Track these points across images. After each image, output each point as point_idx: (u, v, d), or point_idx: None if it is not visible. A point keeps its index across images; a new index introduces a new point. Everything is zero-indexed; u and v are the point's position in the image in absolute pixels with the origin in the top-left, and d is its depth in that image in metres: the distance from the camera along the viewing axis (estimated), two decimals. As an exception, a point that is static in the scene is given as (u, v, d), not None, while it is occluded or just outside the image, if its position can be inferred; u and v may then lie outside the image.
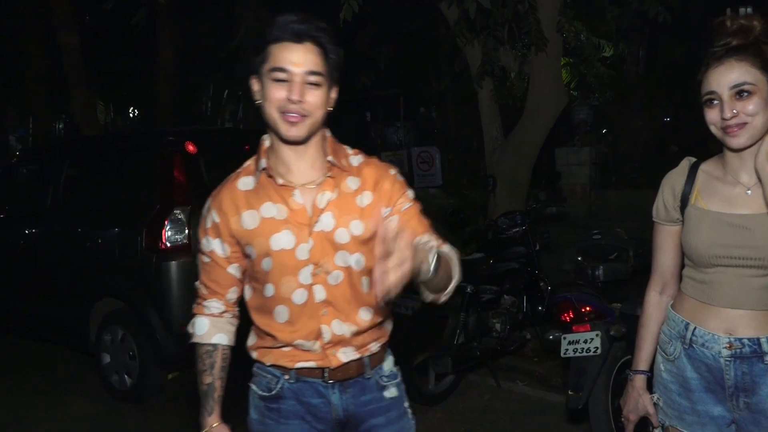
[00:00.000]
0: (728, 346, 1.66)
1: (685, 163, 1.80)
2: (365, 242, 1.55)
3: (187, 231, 3.95)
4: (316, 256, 1.52)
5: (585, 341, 3.06)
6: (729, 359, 1.67)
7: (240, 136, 5.63)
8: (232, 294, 1.64)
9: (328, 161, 1.54)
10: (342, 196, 1.54)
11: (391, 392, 1.65)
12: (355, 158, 1.61)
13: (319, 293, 1.54)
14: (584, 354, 3.05)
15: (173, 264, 3.91)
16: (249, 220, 1.53)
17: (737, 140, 1.59)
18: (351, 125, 12.49)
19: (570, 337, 3.12)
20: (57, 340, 4.87)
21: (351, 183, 1.56)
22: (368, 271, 1.54)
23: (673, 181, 1.79)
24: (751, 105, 1.57)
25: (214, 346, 1.63)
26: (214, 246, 1.59)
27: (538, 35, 4.68)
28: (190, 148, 4.18)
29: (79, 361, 4.80)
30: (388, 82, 9.29)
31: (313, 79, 1.45)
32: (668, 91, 8.91)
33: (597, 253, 3.37)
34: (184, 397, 4.25)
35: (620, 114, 9.11)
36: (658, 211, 1.82)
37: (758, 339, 1.64)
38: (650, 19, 5.12)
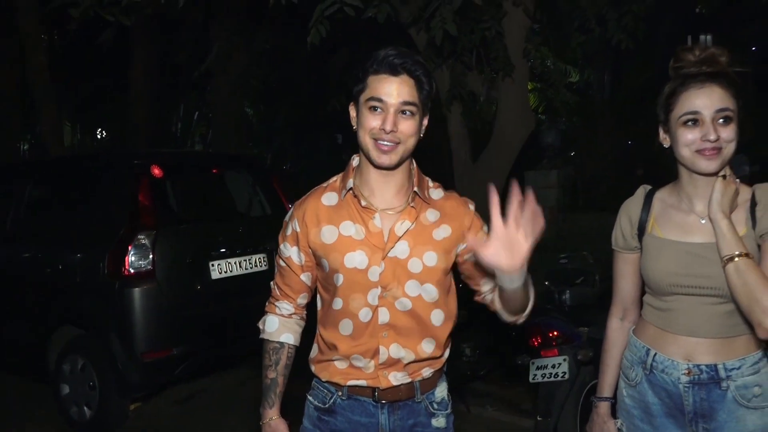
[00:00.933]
0: (687, 372, 1.68)
1: (641, 192, 1.82)
2: (437, 273, 1.61)
3: (151, 257, 3.86)
4: (385, 279, 1.60)
5: (553, 366, 3.07)
6: (687, 385, 1.68)
7: (208, 159, 5.57)
8: (302, 299, 1.76)
9: (414, 192, 1.63)
10: (420, 227, 1.62)
11: (439, 421, 1.69)
12: (436, 191, 1.70)
13: (383, 315, 1.61)
14: (552, 379, 3.06)
15: (136, 291, 3.81)
16: (328, 234, 1.63)
17: (711, 164, 1.60)
18: (324, 147, 12.51)
19: (538, 362, 3.12)
20: (13, 368, 4.69)
21: (430, 215, 1.64)
22: (436, 304, 1.63)
23: (630, 209, 1.81)
24: (730, 131, 1.59)
25: (281, 344, 1.74)
26: (291, 253, 1.70)
27: (505, 61, 4.75)
28: (156, 171, 4.11)
29: (36, 392, 4.63)
30: (361, 103, 9.31)
31: (406, 108, 1.55)
32: (632, 116, 9.14)
33: (564, 278, 3.39)
34: (149, 429, 4.13)
35: (587, 138, 9.30)
36: (616, 239, 1.85)
37: (715, 365, 1.66)
38: (614, 46, 5.24)
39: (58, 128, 10.16)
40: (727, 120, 1.59)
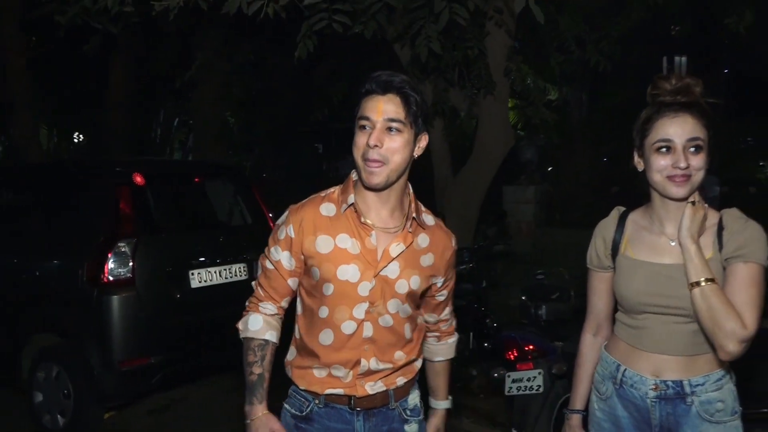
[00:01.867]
0: (654, 387, 1.75)
1: (615, 213, 1.90)
2: (415, 295, 1.72)
3: (131, 264, 3.85)
4: (374, 296, 1.66)
5: (528, 379, 3.13)
6: (655, 400, 1.75)
7: (189, 168, 5.57)
8: (285, 303, 1.78)
9: (413, 218, 1.69)
10: (411, 251, 1.68)
11: (412, 427, 1.77)
12: (428, 217, 1.76)
13: (367, 330, 1.67)
14: (527, 392, 3.12)
15: (115, 298, 3.79)
16: (323, 244, 1.66)
17: (680, 190, 1.67)
18: (304, 156, 12.53)
19: (514, 375, 3.19)
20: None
21: (422, 241, 1.72)
22: (409, 320, 1.74)
23: (604, 230, 1.89)
24: (699, 160, 1.66)
25: (266, 341, 1.73)
26: (281, 257, 1.71)
27: (486, 79, 4.86)
28: (138, 179, 4.11)
29: (8, 399, 4.55)
30: (344, 114, 9.40)
31: (392, 125, 1.59)
32: (608, 135, 9.35)
33: (540, 293, 3.47)
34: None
35: (564, 155, 9.48)
36: (591, 258, 1.92)
37: (681, 381, 1.73)
38: (591, 67, 5.39)
39: (34, 131, 10.03)
40: (698, 149, 1.66)
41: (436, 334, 1.89)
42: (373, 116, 1.58)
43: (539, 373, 3.12)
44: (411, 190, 1.73)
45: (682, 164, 1.65)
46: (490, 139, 5.47)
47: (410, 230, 1.69)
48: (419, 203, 1.75)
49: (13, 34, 9.05)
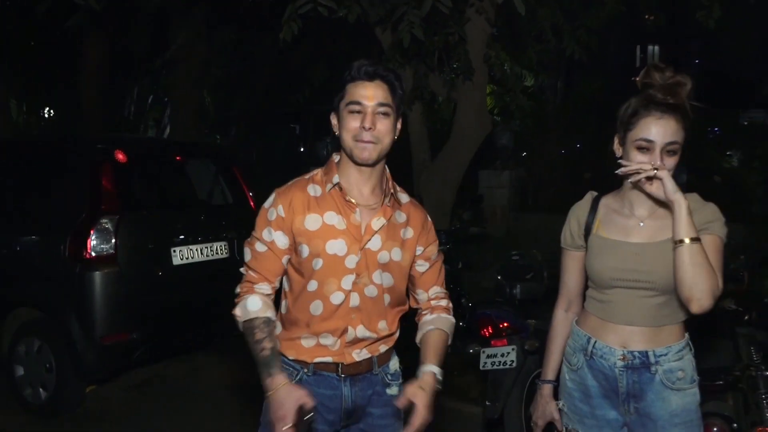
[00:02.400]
0: (622, 357, 1.90)
1: (589, 197, 2.04)
2: (397, 267, 1.83)
3: (113, 241, 3.89)
4: (360, 268, 1.78)
5: (502, 355, 3.28)
6: (622, 369, 1.90)
7: (171, 147, 5.58)
8: (277, 282, 1.84)
9: (392, 194, 1.83)
10: (391, 225, 1.82)
11: (393, 390, 1.89)
12: (403, 195, 1.90)
13: (354, 300, 1.79)
14: (501, 367, 3.27)
15: (97, 274, 3.83)
16: (312, 222, 1.77)
17: (652, 188, 1.77)
18: (281, 137, 12.48)
19: (488, 351, 3.33)
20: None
21: (399, 216, 1.85)
22: (390, 290, 1.84)
23: (578, 212, 2.03)
24: (674, 162, 1.77)
25: (269, 318, 1.77)
26: (275, 237, 1.79)
27: (466, 65, 4.95)
28: (120, 156, 4.13)
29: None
30: (323, 97, 9.41)
31: (382, 109, 1.73)
32: (582, 122, 9.53)
33: (515, 273, 3.61)
34: (103, 412, 4.15)
35: (539, 141, 9.65)
36: (565, 238, 2.05)
37: (647, 352, 1.89)
38: (568, 56, 5.52)
39: (4, 106, 9.82)
40: (674, 152, 1.77)
41: (428, 310, 1.94)
42: (365, 101, 1.72)
43: (513, 349, 3.26)
44: (387, 170, 1.86)
45: (655, 164, 1.73)
46: (468, 124, 5.58)
47: (389, 205, 1.82)
48: (395, 182, 1.89)
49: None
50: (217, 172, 4.94)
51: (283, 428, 1.60)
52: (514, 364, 3.24)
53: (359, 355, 1.82)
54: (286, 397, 1.64)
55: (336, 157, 1.86)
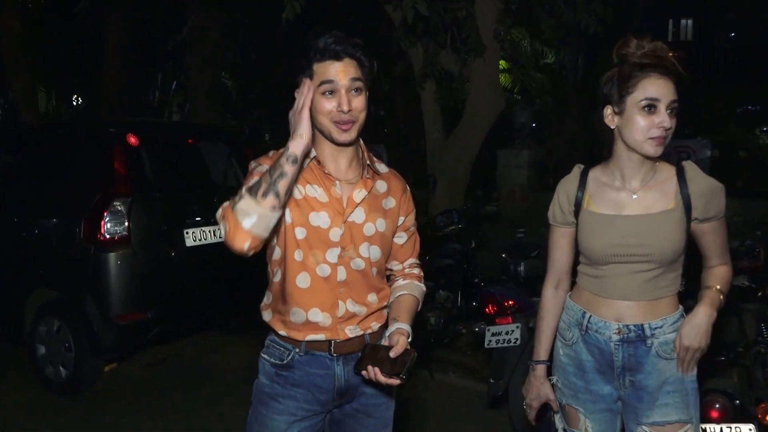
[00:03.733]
0: (617, 331, 1.87)
1: (576, 171, 1.98)
2: (383, 238, 1.81)
3: (126, 223, 3.96)
4: (345, 241, 1.75)
5: (506, 333, 3.26)
6: (618, 343, 1.88)
7: (183, 130, 5.63)
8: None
9: (368, 165, 1.79)
10: (372, 196, 1.80)
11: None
12: (381, 166, 1.87)
13: (341, 273, 1.76)
14: (505, 345, 3.25)
15: (111, 255, 3.91)
16: (294, 191, 1.72)
17: (659, 149, 1.76)
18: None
19: (493, 329, 3.31)
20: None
21: (380, 186, 1.83)
22: (377, 263, 1.82)
23: (567, 187, 1.97)
24: (674, 122, 1.76)
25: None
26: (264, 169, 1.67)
27: (476, 41, 4.87)
28: (132, 140, 4.19)
29: (11, 353, 4.74)
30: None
31: (355, 85, 1.69)
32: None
33: (520, 251, 3.58)
34: (121, 390, 4.27)
35: (559, 119, 9.48)
36: (554, 215, 2.00)
37: (642, 325, 1.86)
38: (583, 30, 5.38)
39: (32, 94, 10.05)
40: (674, 111, 1.75)
41: (401, 277, 1.94)
42: (337, 80, 1.66)
43: (517, 327, 3.24)
44: (361, 142, 1.82)
45: (667, 124, 1.72)
46: (481, 102, 5.51)
47: (368, 177, 1.80)
48: (371, 153, 1.85)
49: (6, -1, 9.00)
50: (230, 154, 4.97)
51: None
52: (519, 342, 3.22)
53: (352, 331, 1.79)
54: (299, 123, 1.61)
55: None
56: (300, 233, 1.73)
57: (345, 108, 1.67)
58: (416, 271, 1.96)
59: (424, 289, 1.95)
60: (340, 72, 1.67)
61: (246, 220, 1.58)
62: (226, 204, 1.65)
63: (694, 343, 1.82)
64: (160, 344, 4.67)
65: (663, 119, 1.72)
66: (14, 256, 4.32)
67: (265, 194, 1.58)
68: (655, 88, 1.73)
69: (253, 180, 1.63)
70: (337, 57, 1.67)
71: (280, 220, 1.72)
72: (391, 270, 1.95)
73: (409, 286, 1.91)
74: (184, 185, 4.74)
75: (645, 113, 1.74)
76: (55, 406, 4.03)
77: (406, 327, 1.76)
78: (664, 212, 1.81)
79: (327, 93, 1.68)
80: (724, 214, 1.86)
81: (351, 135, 1.70)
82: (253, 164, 1.76)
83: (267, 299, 1.86)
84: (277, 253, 1.80)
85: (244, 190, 1.61)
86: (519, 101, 9.05)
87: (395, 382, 1.63)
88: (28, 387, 4.27)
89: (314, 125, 1.72)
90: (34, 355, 4.26)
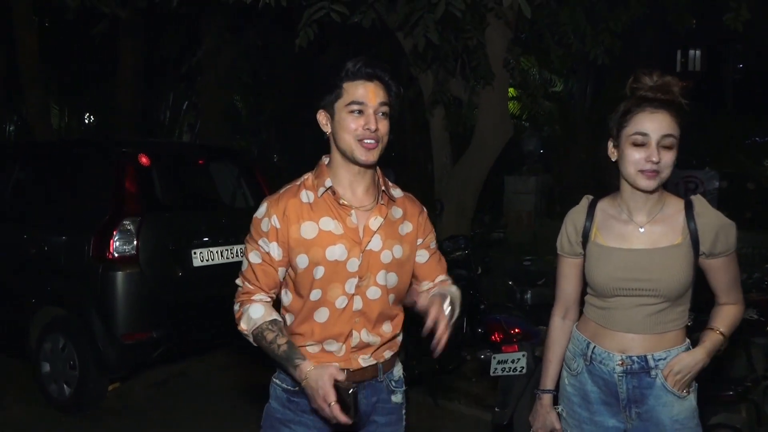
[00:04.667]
0: (621, 363, 1.87)
1: (585, 202, 1.99)
2: (401, 264, 1.79)
3: (135, 242, 3.99)
4: (362, 270, 1.74)
5: (512, 361, 3.24)
6: (621, 375, 1.87)
7: (194, 150, 5.69)
8: (273, 294, 1.80)
9: (383, 191, 1.79)
10: (388, 222, 1.79)
11: (397, 398, 1.88)
12: (396, 191, 1.86)
13: (357, 303, 1.75)
14: (511, 373, 3.23)
15: (119, 274, 3.93)
16: (308, 230, 1.72)
17: (651, 183, 1.78)
18: (309, 143, 12.62)
19: (499, 356, 3.29)
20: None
21: (395, 212, 1.82)
22: (394, 289, 1.80)
23: (575, 218, 1.98)
24: (670, 157, 1.77)
25: (275, 319, 1.74)
26: (271, 248, 1.74)
27: (485, 69, 4.93)
28: (143, 160, 4.24)
29: (16, 368, 4.73)
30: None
31: (383, 110, 1.72)
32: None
33: (526, 278, 3.57)
34: (125, 409, 4.26)
35: (566, 146, 9.52)
36: (562, 245, 2.01)
37: (645, 356, 1.85)
38: (592, 60, 5.44)
39: (45, 111, 10.19)
40: (669, 147, 1.76)
41: (436, 288, 1.89)
42: (367, 101, 1.69)
43: (523, 355, 3.22)
44: (378, 168, 1.83)
45: (654, 158, 1.73)
46: (489, 129, 5.55)
47: (383, 203, 1.79)
48: (385, 178, 1.85)
49: (25, 16, 9.17)
50: (239, 175, 5.02)
51: (330, 406, 1.56)
52: (525, 371, 3.20)
53: (365, 360, 1.78)
54: (319, 378, 1.60)
55: (325, 159, 1.82)
56: (317, 272, 1.72)
57: (372, 127, 1.68)
58: (449, 281, 1.93)
59: (459, 295, 1.86)
60: (371, 93, 1.70)
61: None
62: (239, 294, 1.78)
63: (677, 376, 1.83)
64: (166, 363, 4.66)
65: (651, 153, 1.73)
66: (23, 271, 4.35)
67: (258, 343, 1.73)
68: (646, 122, 1.75)
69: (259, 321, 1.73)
70: (369, 78, 1.71)
71: (290, 268, 1.76)
72: (417, 289, 1.91)
73: (444, 289, 1.85)
74: (193, 205, 4.78)
75: (634, 147, 1.77)
76: (58, 423, 4.02)
77: (449, 291, 1.78)
78: (670, 247, 1.81)
79: (355, 112, 1.70)
80: (733, 252, 1.85)
81: (374, 156, 1.71)
82: (258, 215, 1.77)
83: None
84: (288, 300, 1.80)
85: (250, 322, 1.74)
86: (527, 128, 9.10)
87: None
88: (31, 403, 4.25)
89: (336, 146, 1.74)
90: (39, 372, 4.26)
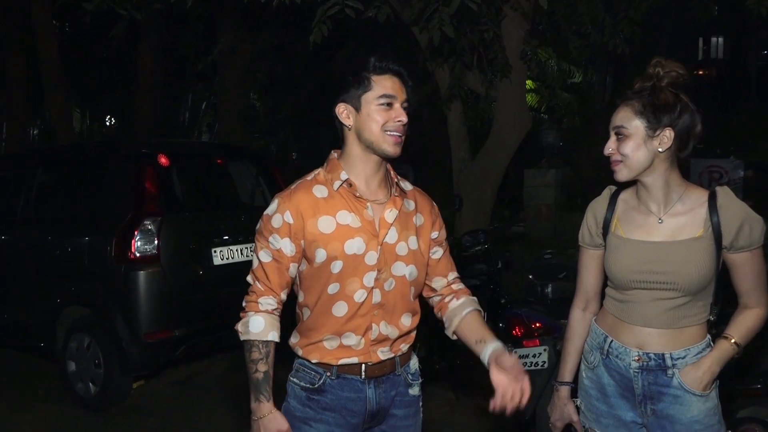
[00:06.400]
0: (637, 359, 1.84)
1: (607, 192, 1.96)
2: (416, 256, 1.80)
3: (156, 242, 4.03)
4: (380, 263, 1.74)
5: (534, 355, 3.22)
6: (637, 371, 1.85)
7: (213, 150, 5.73)
8: (284, 295, 1.78)
9: (396, 184, 1.81)
10: (403, 214, 1.80)
11: (414, 390, 1.89)
12: (406, 183, 1.89)
13: (376, 296, 1.75)
14: (532, 368, 3.21)
15: (141, 274, 3.98)
16: (325, 224, 1.72)
17: (617, 174, 1.81)
18: (326, 138, 12.66)
19: (520, 351, 3.27)
20: (22, 346, 4.89)
21: (408, 204, 1.84)
22: (414, 282, 1.82)
23: (596, 209, 1.96)
24: (625, 147, 1.77)
25: (269, 341, 1.74)
26: (282, 245, 1.72)
27: (503, 62, 4.88)
28: (163, 160, 4.28)
29: (43, 368, 4.82)
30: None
31: (406, 105, 1.75)
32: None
33: (547, 272, 3.54)
34: (149, 407, 4.31)
35: (586, 138, 9.41)
36: (583, 236, 1.99)
37: (663, 354, 1.82)
38: (611, 50, 5.36)
39: (67, 114, 10.36)
40: (622, 136, 1.78)
41: (451, 295, 1.91)
42: (397, 95, 1.72)
43: (544, 350, 3.20)
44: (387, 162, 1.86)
45: (606, 150, 1.81)
46: (507, 122, 5.51)
47: (397, 195, 1.80)
48: (395, 172, 1.87)
49: (44, 20, 9.31)
50: (257, 174, 5.05)
51: None
52: (546, 365, 3.17)
53: (384, 354, 1.78)
54: (268, 426, 1.70)
55: (335, 154, 1.82)
56: (335, 267, 1.72)
57: (404, 119, 1.72)
58: (463, 286, 1.94)
59: (476, 300, 1.92)
60: (399, 88, 1.74)
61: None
62: (248, 295, 1.79)
63: (691, 385, 1.80)
64: (188, 362, 4.71)
65: (608, 144, 1.81)
66: (48, 272, 4.42)
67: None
68: (614, 116, 1.80)
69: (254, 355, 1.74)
70: (396, 74, 1.74)
71: (306, 263, 1.76)
72: (435, 290, 1.93)
73: (468, 302, 1.89)
74: (213, 204, 4.82)
75: (611, 139, 1.82)
76: (83, 422, 4.08)
77: (500, 344, 1.79)
78: (690, 240, 1.77)
79: (385, 105, 1.71)
80: (758, 248, 1.78)
81: (400, 149, 1.73)
82: (268, 212, 1.76)
83: (294, 338, 1.84)
84: (304, 296, 1.80)
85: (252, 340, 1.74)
86: (546, 121, 9.01)
87: None
88: (57, 402, 4.33)
89: (358, 139, 1.75)
90: (65, 371, 4.33)
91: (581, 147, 9.45)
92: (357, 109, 1.72)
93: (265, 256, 1.74)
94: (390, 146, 1.71)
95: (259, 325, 1.73)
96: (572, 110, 9.32)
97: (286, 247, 1.72)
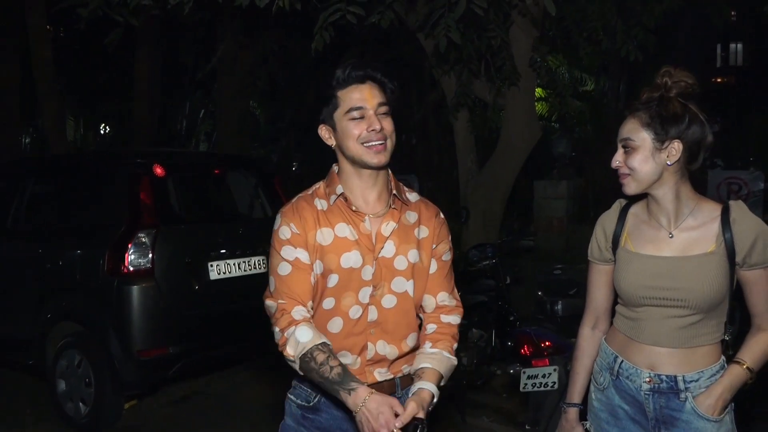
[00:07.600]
0: (648, 380, 1.77)
1: (617, 206, 1.90)
2: (417, 270, 1.73)
3: (150, 255, 3.89)
4: (376, 278, 1.70)
5: (543, 376, 3.08)
6: (648, 393, 1.78)
7: (210, 160, 5.61)
8: (310, 305, 1.70)
9: (394, 195, 1.74)
10: (402, 227, 1.74)
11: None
12: (411, 195, 1.82)
13: (372, 313, 1.70)
14: (542, 389, 3.06)
15: (135, 288, 3.84)
16: (325, 236, 1.70)
17: (625, 188, 1.76)
18: (328, 147, 12.55)
19: (529, 371, 3.14)
20: (11, 364, 4.74)
21: (410, 216, 1.77)
22: (414, 298, 1.74)
23: (605, 223, 1.90)
24: (632, 160, 1.72)
25: (324, 342, 1.63)
26: (298, 254, 1.68)
27: (511, 69, 4.74)
28: (158, 170, 4.15)
29: (34, 388, 4.67)
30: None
31: (382, 109, 1.69)
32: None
33: (557, 289, 3.40)
34: (143, 428, 4.15)
35: (599, 148, 9.23)
36: (592, 251, 1.93)
37: (675, 377, 1.74)
38: (624, 57, 5.20)
39: (61, 123, 10.29)
40: (629, 149, 1.72)
41: (431, 337, 1.75)
42: (365, 104, 1.66)
43: (554, 370, 3.06)
44: (390, 172, 1.79)
45: (614, 163, 1.75)
46: (516, 131, 5.36)
47: (395, 207, 1.74)
48: (400, 183, 1.81)
49: (39, 26, 9.26)
50: (256, 185, 4.91)
51: None
52: (556, 386, 3.03)
53: (381, 375, 1.72)
54: (379, 406, 1.51)
55: (336, 168, 1.79)
56: (331, 280, 1.68)
57: (377, 127, 1.65)
58: (451, 319, 1.77)
59: (455, 363, 1.74)
60: (367, 95, 1.67)
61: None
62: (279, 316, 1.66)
63: (705, 411, 1.72)
64: (184, 381, 4.55)
65: (617, 155, 1.76)
66: (38, 286, 4.28)
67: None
68: (621, 128, 1.76)
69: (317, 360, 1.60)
70: (361, 80, 1.68)
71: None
72: (423, 308, 1.80)
73: (437, 359, 1.71)
74: (210, 216, 4.69)
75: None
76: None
77: (433, 388, 1.63)
78: (702, 255, 1.70)
79: (356, 118, 1.66)
80: None
81: (385, 157, 1.67)
82: (276, 227, 1.71)
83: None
84: None
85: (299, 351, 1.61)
86: (557, 130, 8.83)
87: None
88: (47, 422, 4.17)
89: (344, 156, 1.71)
90: (55, 390, 4.18)
91: (594, 157, 9.28)
92: (333, 128, 1.72)
93: (284, 270, 1.69)
94: (371, 157, 1.66)
95: (306, 333, 1.62)
96: (584, 119, 9.15)
97: (302, 255, 1.69)
